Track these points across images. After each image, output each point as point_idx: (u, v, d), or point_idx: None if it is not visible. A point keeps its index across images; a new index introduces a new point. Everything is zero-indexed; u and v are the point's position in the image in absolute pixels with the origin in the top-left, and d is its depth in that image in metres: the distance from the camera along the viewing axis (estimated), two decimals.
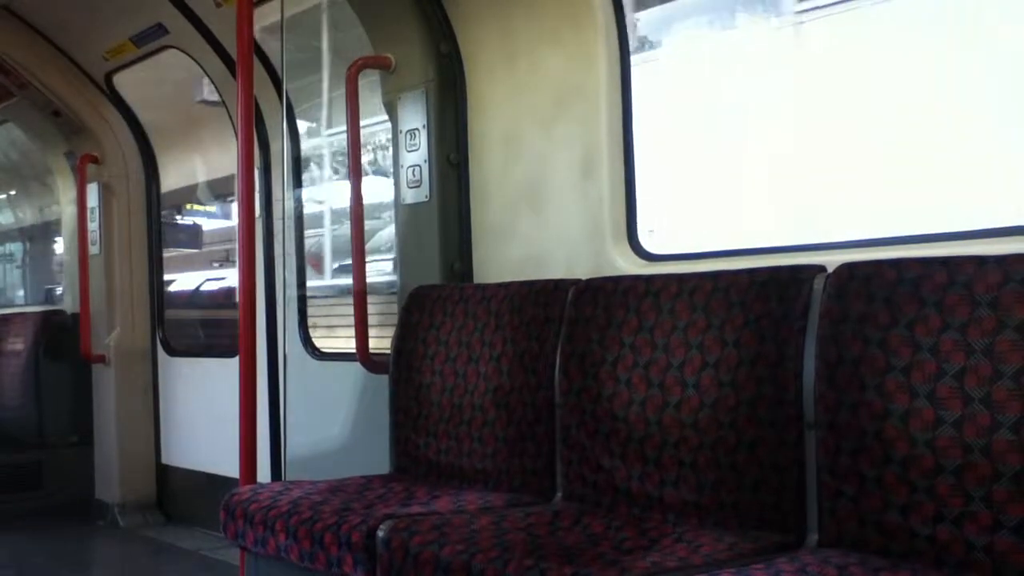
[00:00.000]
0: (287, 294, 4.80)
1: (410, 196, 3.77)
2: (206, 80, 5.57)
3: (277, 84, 4.85)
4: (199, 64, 5.22)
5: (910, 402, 2.16)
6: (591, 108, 3.31)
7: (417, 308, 3.52)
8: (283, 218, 4.92)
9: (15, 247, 9.86)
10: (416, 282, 3.65)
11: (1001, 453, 2.01)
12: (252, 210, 3.64)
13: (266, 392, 4.73)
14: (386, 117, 3.90)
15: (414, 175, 3.74)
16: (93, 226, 6.04)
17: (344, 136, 3.86)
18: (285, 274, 4.86)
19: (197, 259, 9.12)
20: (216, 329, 7.78)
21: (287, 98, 4.84)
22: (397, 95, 3.80)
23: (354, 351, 3.80)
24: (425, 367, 3.41)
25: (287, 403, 4.37)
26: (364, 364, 3.80)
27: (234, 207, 5.06)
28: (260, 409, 3.74)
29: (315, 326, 5.14)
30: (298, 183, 5.18)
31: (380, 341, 3.95)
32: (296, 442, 4.27)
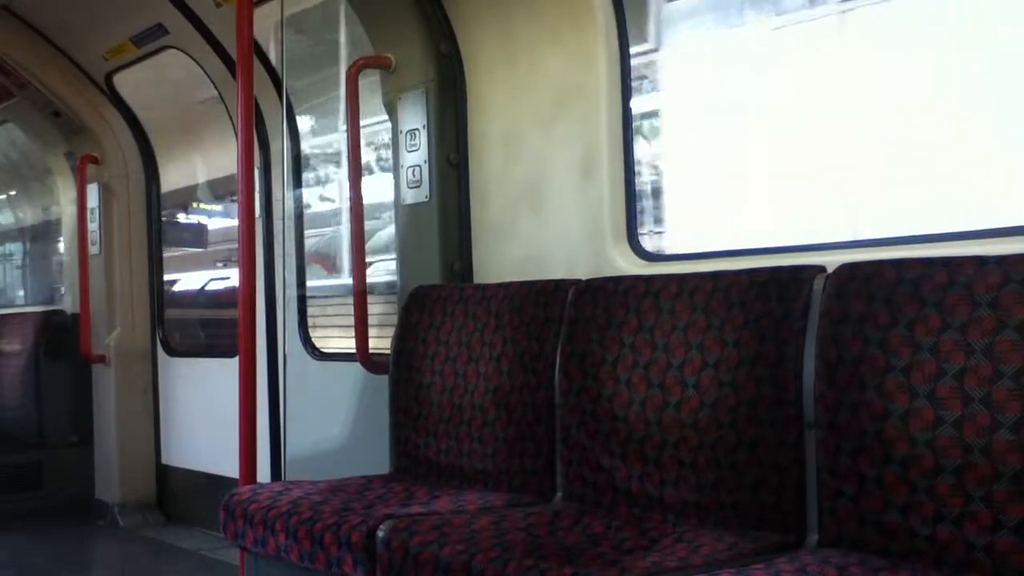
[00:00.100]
0: (287, 294, 4.80)
1: (410, 196, 3.77)
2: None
3: (277, 84, 4.85)
4: (199, 64, 5.22)
5: (910, 402, 2.16)
6: (591, 108, 3.31)
7: (417, 308, 3.52)
8: (283, 218, 4.92)
9: (15, 247, 9.86)
10: (416, 282, 3.65)
11: (1001, 453, 2.01)
12: (252, 210, 3.64)
13: (266, 392, 4.73)
14: None
15: (414, 175, 3.74)
16: (93, 226, 6.04)
17: (361, 131, 3.86)
18: (285, 274, 4.86)
19: (203, 258, 9.11)
20: (218, 329, 7.78)
21: (287, 98, 4.84)
22: (397, 95, 3.80)
23: (369, 351, 3.80)
24: (425, 367, 3.41)
25: (287, 403, 4.37)
26: (364, 364, 3.80)
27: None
28: (260, 409, 3.74)
29: (331, 326, 5.11)
30: (298, 183, 5.18)
31: (380, 341, 3.95)
32: (296, 442, 4.27)
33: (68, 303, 6.68)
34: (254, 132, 4.28)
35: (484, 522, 2.56)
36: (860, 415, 2.23)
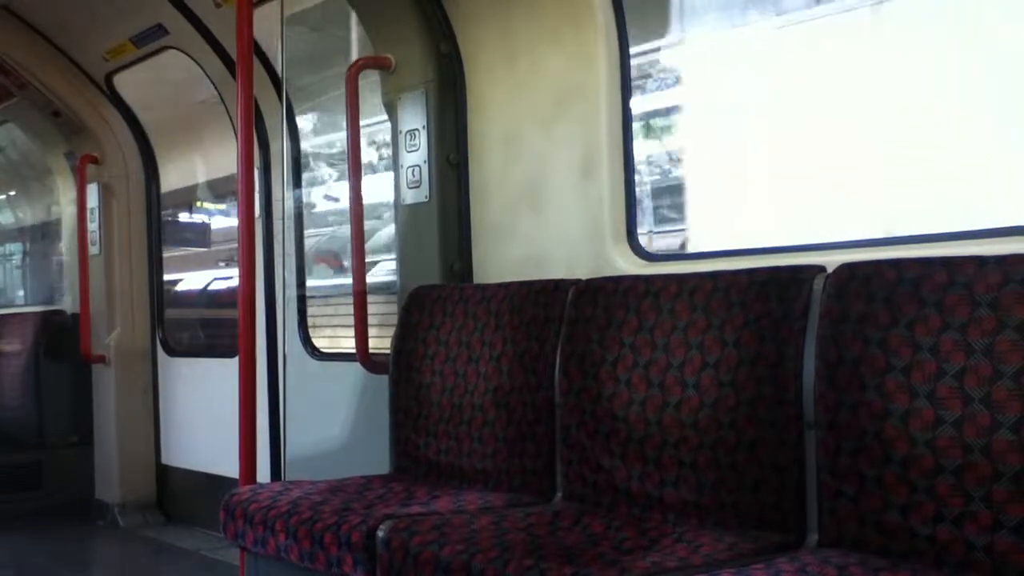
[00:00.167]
0: (287, 294, 4.80)
1: (410, 196, 3.77)
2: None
3: (277, 84, 4.85)
4: (199, 64, 5.22)
5: (910, 402, 2.16)
6: (591, 108, 3.31)
7: (417, 308, 3.52)
8: (283, 218, 4.92)
9: (15, 247, 9.86)
10: (416, 282, 3.65)
11: (1001, 453, 2.02)
12: (252, 210, 3.64)
13: (266, 392, 4.73)
14: None
15: (414, 175, 3.74)
16: (93, 226, 6.04)
17: (375, 128, 3.87)
18: (285, 274, 4.86)
19: (208, 257, 9.11)
20: (218, 329, 7.78)
21: (287, 98, 4.84)
22: (397, 95, 3.80)
23: (369, 351, 3.80)
24: (425, 367, 3.41)
25: (287, 403, 4.37)
26: (364, 364, 3.80)
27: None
28: (260, 409, 3.74)
29: (339, 325, 5.09)
30: (298, 183, 5.18)
31: (380, 341, 3.95)
32: (296, 442, 4.27)
33: (68, 303, 6.69)
34: (254, 132, 4.28)
35: (484, 522, 2.56)
36: (860, 415, 2.23)
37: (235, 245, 8.25)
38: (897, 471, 2.16)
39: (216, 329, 7.76)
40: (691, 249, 6.92)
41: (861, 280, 2.31)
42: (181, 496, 5.94)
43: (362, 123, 3.91)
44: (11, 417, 6.55)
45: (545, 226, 3.47)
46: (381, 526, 2.56)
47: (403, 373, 3.49)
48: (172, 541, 5.48)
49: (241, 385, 3.48)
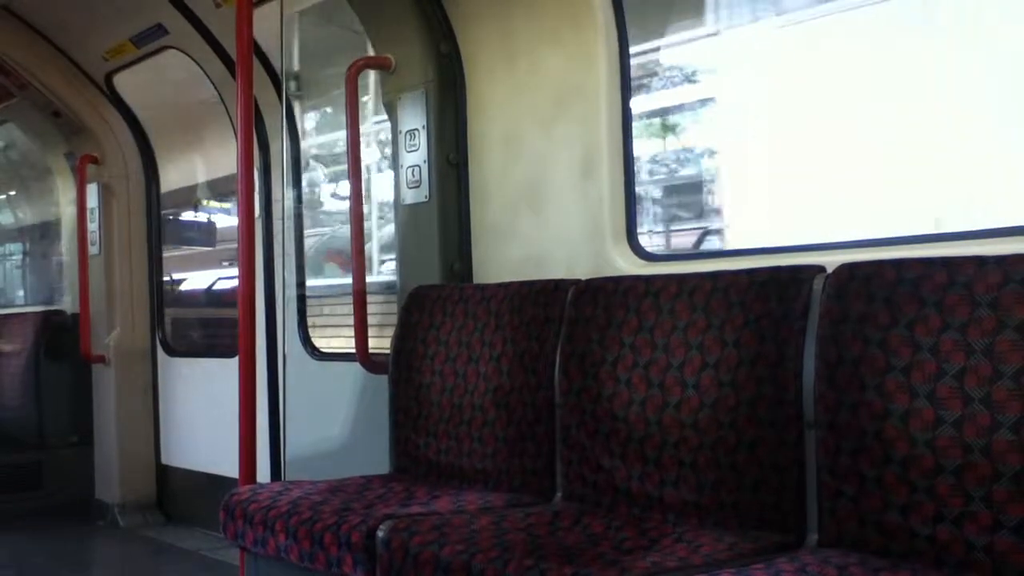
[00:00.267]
0: (287, 294, 4.80)
1: (410, 196, 3.77)
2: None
3: (277, 84, 4.85)
4: (199, 64, 5.22)
5: (910, 402, 2.16)
6: (591, 108, 3.31)
7: (417, 308, 3.52)
8: (283, 218, 4.92)
9: (15, 247, 9.86)
10: (416, 282, 3.65)
11: (1001, 453, 2.02)
12: (252, 210, 3.64)
13: (266, 392, 4.73)
14: None
15: (414, 175, 3.74)
16: (93, 226, 6.04)
17: (386, 124, 3.87)
18: (285, 274, 4.86)
19: (214, 257, 9.10)
20: (218, 328, 7.78)
21: (287, 98, 4.84)
22: (397, 95, 3.80)
23: (369, 351, 3.80)
24: (425, 367, 3.41)
25: (287, 403, 4.38)
26: (364, 364, 3.80)
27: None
28: (260, 409, 3.74)
29: (348, 325, 5.07)
30: (298, 183, 5.18)
31: (380, 341, 3.95)
32: (296, 442, 4.27)
33: (68, 303, 6.68)
34: (254, 132, 4.28)
35: (484, 522, 2.56)
36: (860, 415, 2.23)
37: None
38: (897, 471, 2.16)
39: (223, 329, 7.77)
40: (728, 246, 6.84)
41: (861, 280, 2.31)
42: (181, 496, 5.94)
43: (373, 120, 3.91)
44: (11, 417, 6.54)
45: (545, 226, 3.47)
46: (381, 526, 2.56)
47: (403, 373, 3.49)
48: (172, 541, 5.48)
49: (241, 385, 3.48)
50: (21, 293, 9.65)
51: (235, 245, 8.50)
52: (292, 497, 2.95)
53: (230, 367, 4.10)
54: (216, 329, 7.67)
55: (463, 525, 2.52)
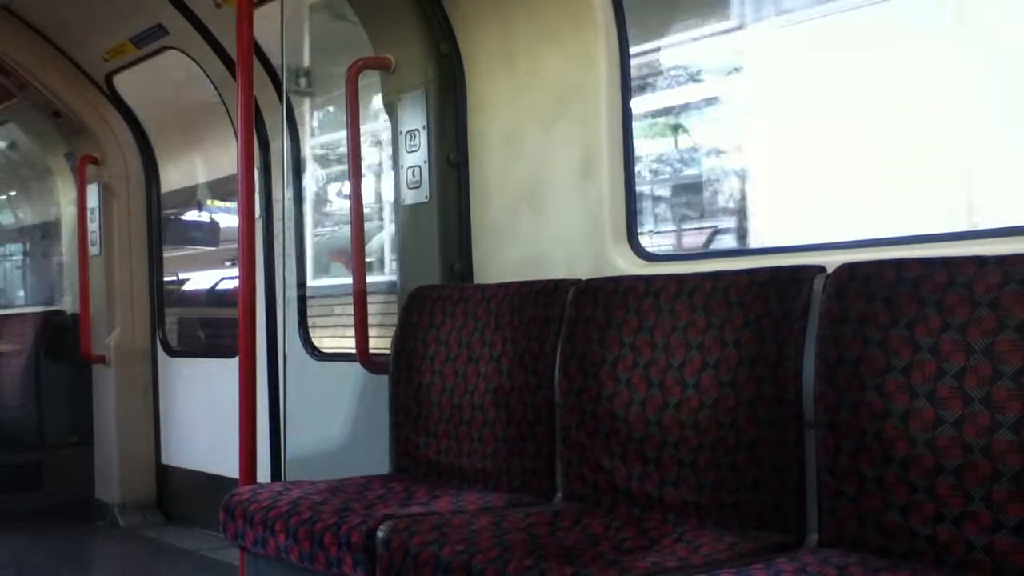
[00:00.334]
0: (287, 294, 4.80)
1: (410, 197, 3.77)
2: None
3: (277, 84, 4.85)
4: (199, 65, 5.22)
5: (910, 402, 2.16)
6: (591, 108, 3.31)
7: (417, 308, 3.52)
8: (283, 218, 4.92)
9: (15, 247, 9.87)
10: (416, 282, 3.65)
11: (1001, 453, 2.02)
12: (252, 210, 3.64)
13: (266, 392, 4.73)
14: None
15: (414, 176, 3.74)
16: (93, 227, 6.04)
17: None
18: (285, 274, 4.86)
19: (216, 257, 9.09)
20: (227, 328, 7.78)
21: (287, 98, 4.84)
22: (397, 96, 3.80)
23: (369, 351, 3.80)
24: (425, 367, 3.41)
25: (287, 403, 4.38)
26: (364, 364, 3.80)
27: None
28: (260, 409, 3.74)
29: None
30: (298, 183, 5.18)
31: (381, 341, 3.95)
32: (296, 442, 4.27)
33: (68, 303, 6.68)
34: (254, 132, 4.28)
35: (484, 522, 2.56)
36: (860, 415, 2.23)
37: None
38: (897, 471, 2.16)
39: (232, 328, 7.78)
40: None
41: (861, 280, 2.31)
42: (181, 496, 5.94)
43: (385, 119, 3.90)
44: (11, 417, 6.54)
45: (545, 226, 3.47)
46: (381, 526, 2.56)
47: (403, 373, 3.49)
48: (172, 541, 5.48)
49: (241, 385, 3.48)
50: (21, 293, 9.66)
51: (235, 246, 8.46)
52: (292, 497, 2.95)
53: (230, 367, 4.10)
54: (223, 329, 7.67)
55: (463, 525, 2.52)
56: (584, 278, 3.07)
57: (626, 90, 3.31)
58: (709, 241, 7.29)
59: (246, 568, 3.23)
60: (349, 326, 4.76)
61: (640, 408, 2.71)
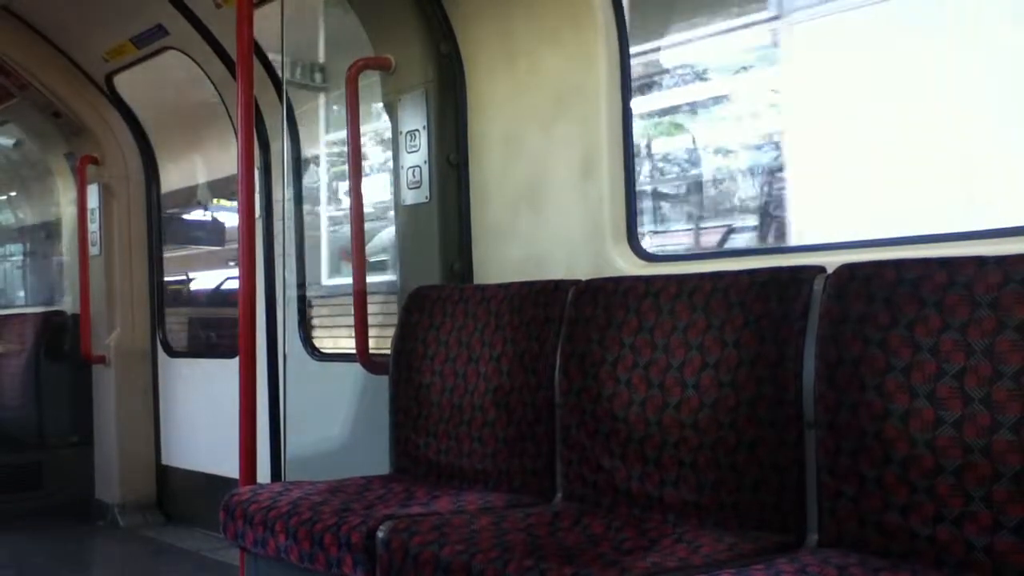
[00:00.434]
0: (287, 294, 4.80)
1: (410, 197, 3.77)
2: None
3: (277, 85, 4.85)
4: (199, 65, 5.22)
5: (910, 402, 2.16)
6: (591, 108, 3.31)
7: (417, 308, 3.52)
8: (283, 218, 4.92)
9: (15, 247, 9.87)
10: (416, 283, 3.65)
11: (1001, 453, 2.02)
12: (252, 210, 3.64)
13: (266, 392, 4.73)
14: None
15: (414, 176, 3.74)
16: (93, 227, 6.05)
17: None
18: (285, 274, 4.86)
19: (221, 256, 9.08)
20: (232, 328, 7.77)
21: (287, 98, 4.84)
22: (397, 96, 3.80)
23: (369, 351, 3.80)
24: (425, 367, 3.41)
25: (287, 403, 4.37)
26: (364, 364, 3.80)
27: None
28: (260, 410, 3.74)
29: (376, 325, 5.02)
30: (298, 183, 5.18)
31: (381, 341, 3.95)
32: (296, 442, 4.27)
33: (68, 303, 6.69)
34: (254, 132, 4.28)
35: (484, 522, 2.56)
36: (860, 415, 2.23)
37: None
38: (897, 471, 2.16)
39: (219, 328, 7.77)
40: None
41: (861, 280, 2.31)
42: (181, 496, 5.94)
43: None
44: (11, 417, 6.55)
45: (545, 226, 3.47)
46: (381, 527, 2.56)
47: (403, 373, 3.49)
48: (172, 541, 5.48)
49: (241, 385, 3.48)
50: (21, 294, 9.66)
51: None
52: (292, 498, 2.95)
53: (230, 367, 4.10)
54: (232, 329, 7.67)
55: (463, 525, 2.52)
56: (584, 278, 3.07)
57: (626, 90, 3.32)
58: (764, 229, 7.10)
59: (246, 568, 3.23)
60: (378, 325, 4.76)
61: (640, 408, 2.71)
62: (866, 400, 2.23)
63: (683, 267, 3.06)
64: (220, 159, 7.24)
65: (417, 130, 3.71)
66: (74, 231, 6.37)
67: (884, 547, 2.17)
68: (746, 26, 6.92)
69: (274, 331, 4.81)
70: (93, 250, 6.04)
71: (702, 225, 7.69)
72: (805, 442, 2.38)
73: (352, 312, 3.79)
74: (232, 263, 8.65)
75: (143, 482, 6.01)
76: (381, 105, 3.95)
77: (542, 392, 3.03)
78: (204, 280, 9.12)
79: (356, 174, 3.87)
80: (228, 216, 9.01)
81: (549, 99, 3.44)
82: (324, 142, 9.11)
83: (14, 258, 9.94)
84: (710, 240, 7.48)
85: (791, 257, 2.75)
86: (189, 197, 8.31)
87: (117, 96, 5.97)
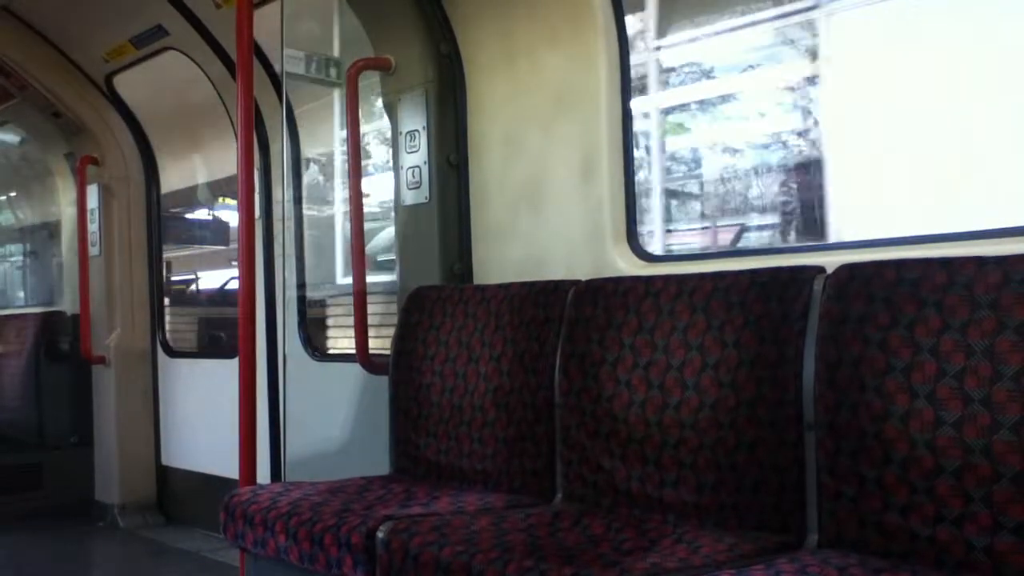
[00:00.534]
0: (287, 294, 4.80)
1: (410, 197, 3.77)
2: None
3: (277, 86, 4.85)
4: (199, 66, 5.22)
5: (910, 403, 2.16)
6: (591, 108, 3.31)
7: (417, 309, 3.52)
8: (283, 219, 4.92)
9: (15, 248, 9.88)
10: (416, 283, 3.65)
11: (1001, 454, 2.01)
12: (252, 211, 3.64)
13: (266, 393, 4.73)
14: None
15: (414, 176, 3.74)
16: (93, 227, 6.05)
17: None
18: (285, 274, 4.86)
19: (224, 256, 9.08)
20: (233, 328, 7.77)
21: (287, 99, 4.84)
22: (397, 96, 3.80)
23: (369, 352, 3.80)
24: (425, 368, 3.41)
25: (287, 404, 4.37)
26: (364, 365, 3.80)
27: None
28: (260, 410, 3.74)
29: (376, 325, 4.96)
30: (298, 184, 5.18)
31: (381, 342, 3.95)
32: (296, 443, 4.27)
33: (68, 304, 6.69)
34: (254, 133, 4.28)
35: (484, 523, 2.56)
36: (860, 416, 2.23)
37: None
38: (897, 472, 2.16)
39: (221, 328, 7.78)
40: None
41: (861, 281, 2.31)
42: (181, 497, 5.94)
43: None
44: (11, 418, 6.55)
45: (545, 227, 3.47)
46: (381, 527, 2.56)
47: (403, 374, 3.49)
48: (172, 542, 5.48)
49: (241, 386, 3.48)
50: (21, 294, 9.66)
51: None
52: (292, 498, 2.95)
53: (230, 368, 4.10)
54: (228, 330, 7.67)
55: (463, 526, 2.52)
56: (584, 278, 3.07)
57: (626, 90, 3.32)
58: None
59: (246, 569, 3.22)
60: (379, 325, 4.74)
61: (640, 409, 2.71)
62: (866, 400, 2.22)
63: (683, 267, 3.06)
64: (220, 159, 7.24)
65: (417, 130, 3.71)
66: (74, 231, 6.37)
67: (884, 547, 2.17)
68: (781, 16, 6.83)
69: (274, 331, 4.81)
70: (93, 250, 6.04)
71: (733, 222, 7.60)
72: (805, 442, 2.38)
73: (367, 311, 3.79)
74: (234, 262, 8.65)
75: (143, 483, 6.01)
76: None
77: (542, 392, 3.03)
78: (214, 279, 9.12)
79: (356, 174, 3.87)
80: (232, 215, 9.00)
81: (549, 99, 3.44)
82: (340, 138, 9.10)
83: (14, 258, 9.93)
84: (760, 236, 7.36)
85: (791, 257, 2.75)
86: (191, 197, 8.31)
87: (117, 96, 5.97)
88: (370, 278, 3.93)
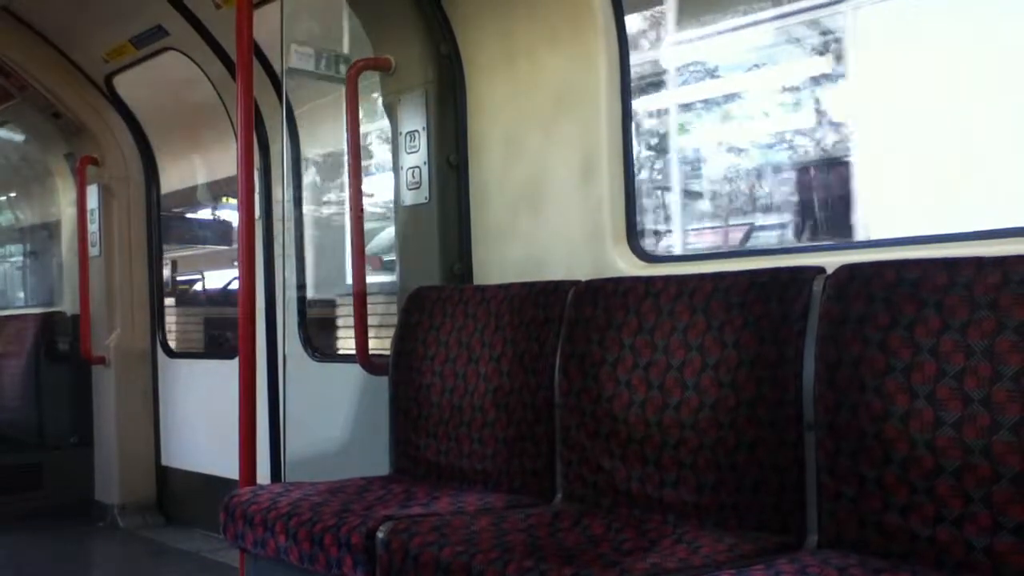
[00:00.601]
0: (287, 294, 4.80)
1: (410, 198, 3.77)
2: None
3: (277, 86, 4.85)
4: (199, 66, 5.22)
5: (910, 403, 2.16)
6: (591, 109, 3.31)
7: (417, 309, 3.52)
8: (283, 219, 4.92)
9: (15, 248, 9.88)
10: (416, 283, 3.65)
11: (1001, 454, 2.01)
12: (252, 211, 3.64)
13: (266, 393, 4.73)
14: None
15: (414, 177, 3.74)
16: (93, 228, 6.05)
17: None
18: (285, 274, 4.86)
19: (226, 256, 9.06)
20: (229, 329, 7.78)
21: (287, 100, 4.84)
22: (397, 96, 3.80)
23: (368, 352, 3.79)
24: (425, 368, 3.41)
25: (287, 404, 4.37)
26: (364, 365, 3.80)
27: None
28: (260, 410, 3.74)
29: (380, 325, 4.96)
30: (297, 184, 5.18)
31: (381, 342, 3.95)
32: (296, 443, 4.27)
33: (68, 304, 6.69)
34: (254, 133, 4.28)
35: (484, 523, 2.56)
36: (860, 416, 2.23)
37: None
38: (897, 472, 2.16)
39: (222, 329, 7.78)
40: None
41: (861, 281, 2.31)
42: (181, 497, 5.94)
43: None
44: (11, 418, 6.55)
45: (545, 227, 3.47)
46: (381, 527, 2.56)
47: (403, 374, 3.49)
48: (172, 542, 5.48)
49: (241, 386, 3.48)
50: (21, 294, 9.66)
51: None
52: (292, 498, 2.95)
53: (230, 368, 4.10)
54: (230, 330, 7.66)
55: (463, 526, 2.52)
56: (584, 279, 3.07)
57: (626, 91, 3.32)
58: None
59: (246, 569, 3.22)
60: (379, 326, 4.72)
61: (640, 409, 2.71)
62: (866, 401, 2.23)
63: (683, 268, 3.06)
64: (220, 160, 7.24)
65: (417, 131, 3.71)
66: (74, 232, 6.37)
67: (884, 548, 2.17)
68: (807, 9, 6.78)
69: (274, 332, 4.81)
70: (93, 251, 6.04)
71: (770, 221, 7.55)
72: (805, 443, 2.38)
73: (377, 312, 3.79)
74: (235, 262, 8.64)
75: (143, 483, 6.01)
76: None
77: (542, 393, 3.03)
78: (221, 279, 9.11)
79: (356, 174, 3.87)
80: (234, 215, 9.00)
81: (549, 100, 3.44)
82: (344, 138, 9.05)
83: (14, 259, 9.94)
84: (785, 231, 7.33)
85: (791, 258, 2.75)
86: (191, 197, 8.31)
87: (117, 97, 5.97)
88: (376, 278, 3.93)
